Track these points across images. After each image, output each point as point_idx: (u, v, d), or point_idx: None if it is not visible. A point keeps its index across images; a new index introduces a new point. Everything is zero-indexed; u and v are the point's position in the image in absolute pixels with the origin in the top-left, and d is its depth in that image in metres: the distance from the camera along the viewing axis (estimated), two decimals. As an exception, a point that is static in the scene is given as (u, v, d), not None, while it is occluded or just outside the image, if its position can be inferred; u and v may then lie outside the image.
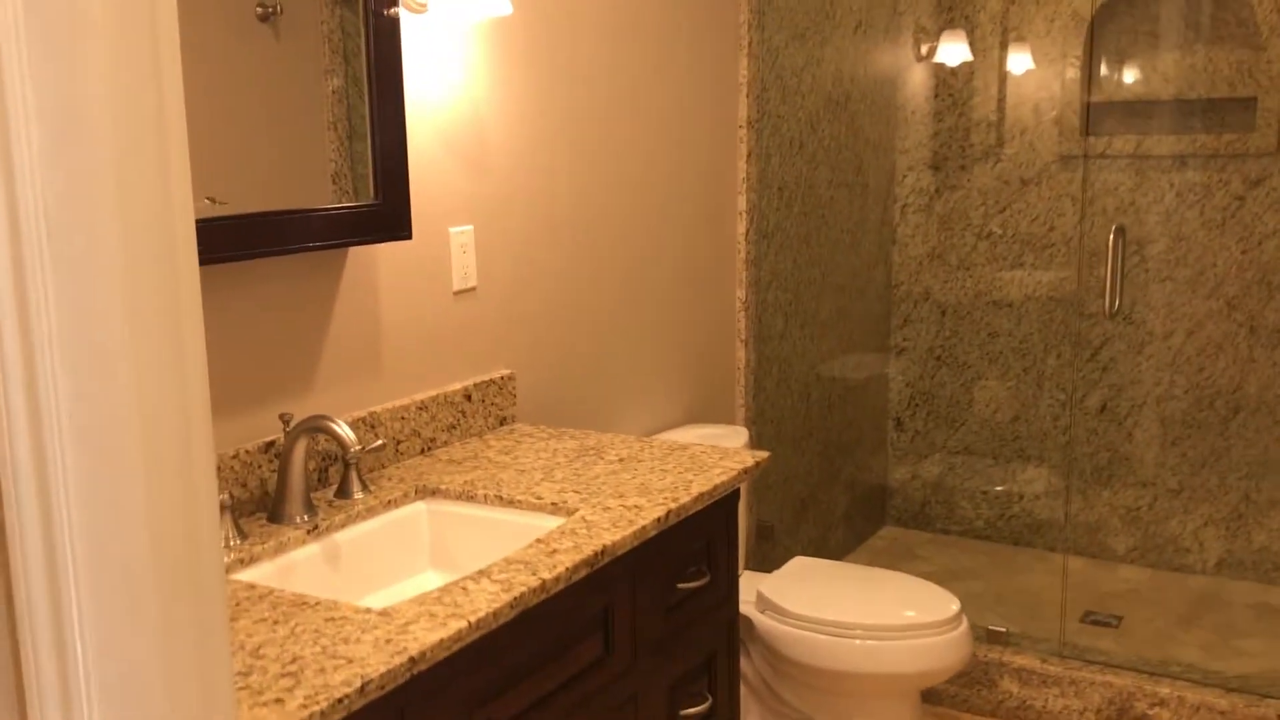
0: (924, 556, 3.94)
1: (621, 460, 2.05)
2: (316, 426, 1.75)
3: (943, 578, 3.74)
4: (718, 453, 2.08)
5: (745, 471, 2.00)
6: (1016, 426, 3.95)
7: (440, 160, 2.14)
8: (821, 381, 3.66)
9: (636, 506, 1.80)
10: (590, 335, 2.61)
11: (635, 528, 1.71)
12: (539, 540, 1.67)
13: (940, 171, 3.95)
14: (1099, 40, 3.66)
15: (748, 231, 3.14)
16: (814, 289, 3.56)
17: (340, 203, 1.85)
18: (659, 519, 1.76)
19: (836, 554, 3.85)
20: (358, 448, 1.72)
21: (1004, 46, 3.80)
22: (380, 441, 1.91)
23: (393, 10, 1.84)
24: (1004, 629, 3.06)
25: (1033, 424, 3.91)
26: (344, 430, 1.73)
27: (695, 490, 1.88)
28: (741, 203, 3.13)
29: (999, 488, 3.99)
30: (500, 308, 2.33)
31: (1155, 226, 3.61)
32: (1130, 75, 3.64)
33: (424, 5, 2.02)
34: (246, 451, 1.80)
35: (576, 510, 1.80)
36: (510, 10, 2.06)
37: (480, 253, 2.26)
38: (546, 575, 1.53)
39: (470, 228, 2.23)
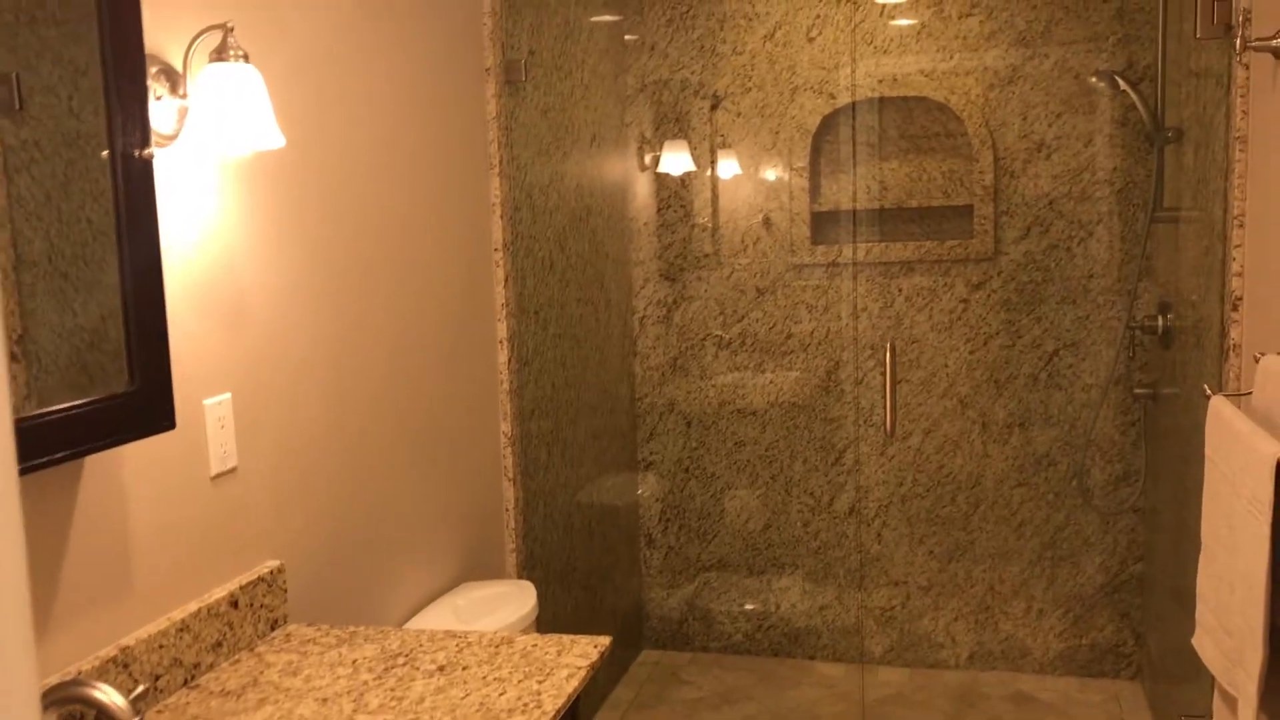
0: (690, 680, 3.78)
1: (442, 669, 1.73)
2: (70, 697, 1.32)
3: (715, 703, 3.60)
4: (553, 645, 1.81)
5: (592, 666, 1.74)
6: (769, 535, 3.90)
7: (190, 320, 1.75)
8: (581, 509, 3.44)
9: (490, 739, 1.49)
10: (361, 501, 2.25)
11: (502, 774, 1.41)
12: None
13: (676, 282, 3.88)
14: (823, 151, 3.74)
15: (509, 360, 2.90)
16: (571, 412, 3.35)
17: (75, 399, 1.44)
18: (523, 754, 1.47)
19: (603, 687, 3.62)
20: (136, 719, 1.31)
21: (752, 159, 3.81)
22: (141, 687, 1.50)
23: (146, 152, 1.47)
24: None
25: (784, 531, 3.88)
26: (111, 697, 1.32)
27: (549, 706, 1.59)
28: (502, 330, 2.88)
29: (753, 603, 3.92)
30: (264, 486, 1.95)
31: (889, 330, 3.70)
32: (852, 185, 3.74)
33: (170, 137, 1.65)
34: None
35: (417, 754, 1.47)
36: (283, 142, 1.73)
37: (240, 424, 1.88)
38: None
39: (228, 396, 1.85)
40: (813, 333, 3.78)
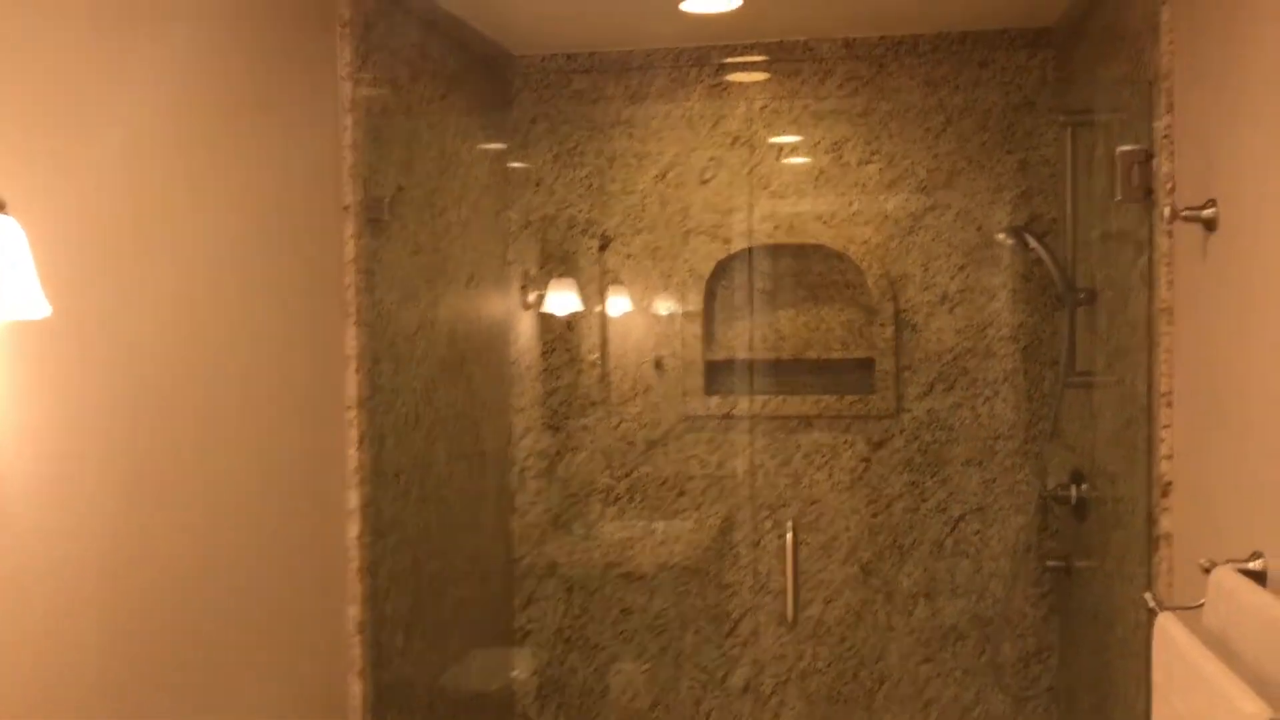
0: None
1: None
2: None
3: None
4: None
5: None
6: (655, 714, 3.53)
7: (-78, 526, 1.38)
8: (445, 697, 3.05)
9: None
10: (160, 725, 1.85)
11: None
12: None
13: (560, 431, 3.58)
14: (718, 297, 3.51)
15: (361, 534, 2.53)
16: (435, 586, 2.98)
17: None
18: None
19: None
20: None
21: (631, 301, 3.55)
22: None
23: None
24: None
25: (674, 710, 3.52)
26: None
27: None
28: (353, 499, 2.52)
29: (641, 785, 3.54)
30: (21, 727, 1.55)
31: (786, 490, 3.44)
32: (748, 334, 3.51)
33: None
34: None
35: None
36: (50, 311, 1.38)
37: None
38: None
39: (-28, 619, 1.46)
40: (706, 490, 3.49)
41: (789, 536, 2.98)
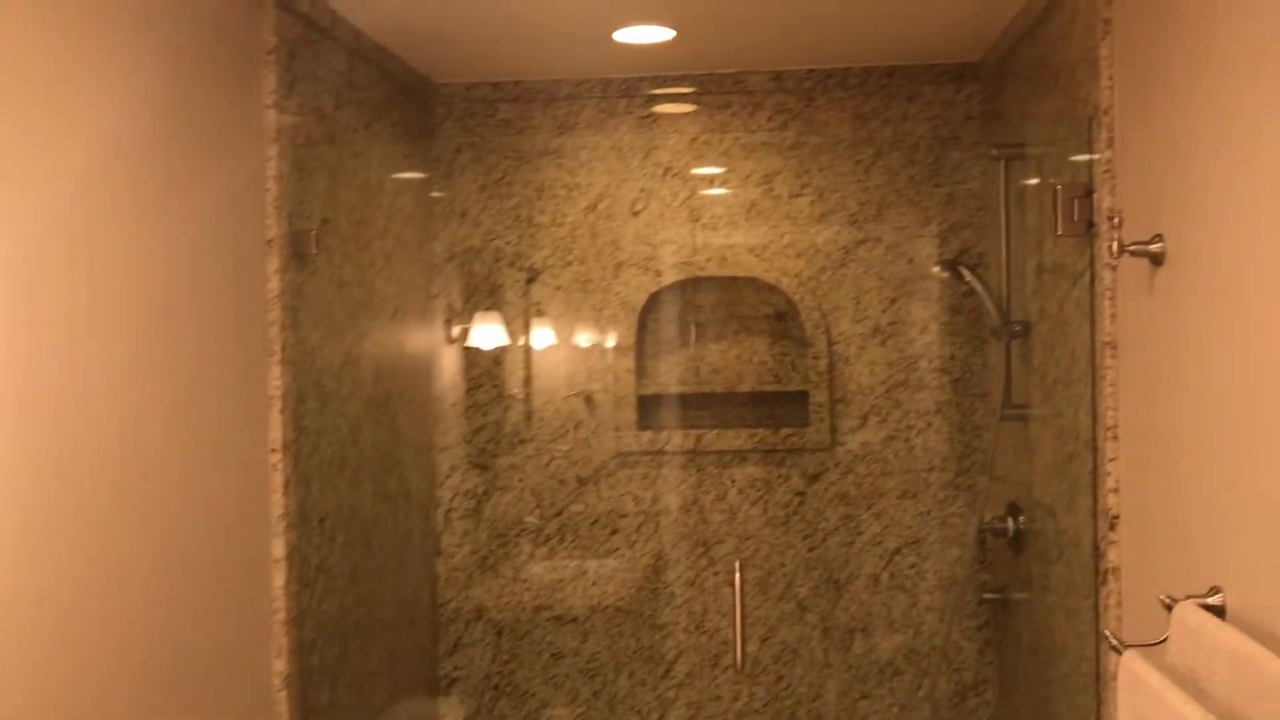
0: None
1: None
2: None
3: None
4: None
5: None
6: (590, 759, 3.44)
7: None
8: (373, 750, 2.91)
9: None
10: (73, 801, 1.71)
11: None
12: None
13: (487, 470, 3.47)
14: (650, 330, 3.46)
15: (288, 583, 2.40)
16: (361, 636, 2.85)
17: None
18: None
19: None
20: None
21: (560, 335, 3.47)
22: None
23: None
24: None
25: (608, 755, 3.43)
26: None
27: None
28: (279, 547, 2.39)
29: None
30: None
31: (721, 526, 3.38)
32: (680, 368, 3.46)
33: None
34: None
35: None
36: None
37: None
38: None
39: None
40: (640, 528, 3.42)
41: (737, 578, 2.92)
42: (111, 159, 1.84)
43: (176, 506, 2.03)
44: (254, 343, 2.34)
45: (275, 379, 2.39)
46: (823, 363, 3.35)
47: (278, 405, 2.39)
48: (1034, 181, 2.79)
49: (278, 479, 2.39)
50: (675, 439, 3.43)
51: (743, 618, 3.05)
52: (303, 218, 2.48)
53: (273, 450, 2.39)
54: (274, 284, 2.38)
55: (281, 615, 2.39)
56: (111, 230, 1.84)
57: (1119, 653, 1.73)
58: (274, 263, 2.38)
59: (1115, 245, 1.97)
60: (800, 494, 3.38)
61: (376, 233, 3.02)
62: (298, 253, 2.46)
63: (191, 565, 2.08)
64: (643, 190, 3.38)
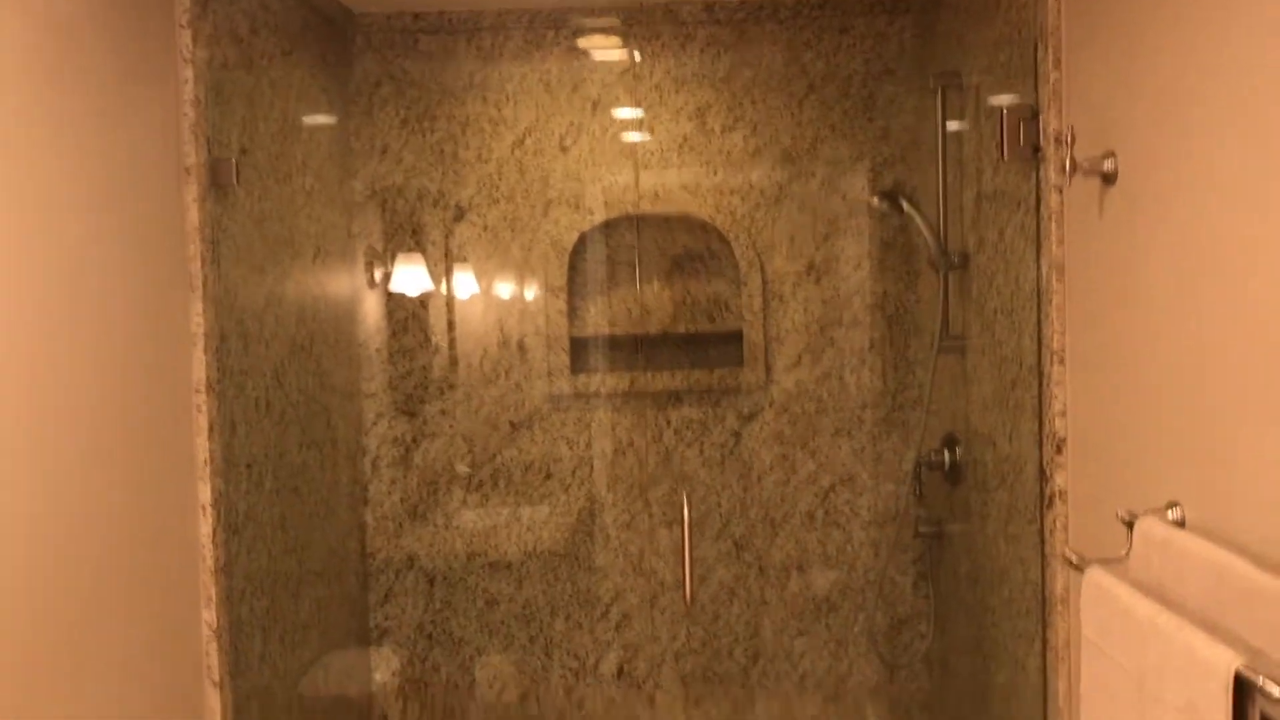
0: None
1: None
2: None
3: None
4: None
5: None
6: (527, 707, 3.39)
7: None
8: (305, 704, 2.82)
9: None
10: (-2, 759, 1.60)
11: None
12: None
13: (415, 417, 3.37)
14: (581, 271, 3.38)
15: (215, 531, 2.29)
16: (291, 584, 2.75)
17: None
18: None
19: None
20: None
21: (488, 277, 3.37)
22: None
23: None
24: None
25: (544, 702, 3.38)
26: None
27: None
28: (205, 493, 2.27)
29: (513, 782, 3.39)
30: None
31: (657, 468, 3.34)
32: (611, 309, 3.39)
33: None
34: None
35: None
36: None
37: None
38: None
39: None
40: (574, 471, 3.36)
41: (685, 511, 2.88)
42: (12, 78, 1.70)
43: (95, 451, 1.90)
44: (174, 278, 2.21)
45: (197, 316, 2.26)
46: (758, 301, 3.31)
47: (200, 344, 2.26)
48: (972, 110, 2.77)
49: (202, 421, 2.27)
50: (609, 382, 3.37)
51: (691, 551, 3.01)
52: (221, 145, 2.34)
53: (196, 391, 2.27)
54: (193, 215, 2.25)
55: (209, 564, 2.28)
56: (14, 155, 1.70)
57: (1080, 570, 1.72)
58: (193, 192, 2.24)
59: (1068, 163, 1.96)
60: (736, 434, 3.35)
61: (296, 167, 2.89)
62: (217, 183, 2.32)
63: (113, 513, 1.96)
64: (572, 125, 3.29)
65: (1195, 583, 1.47)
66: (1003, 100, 2.39)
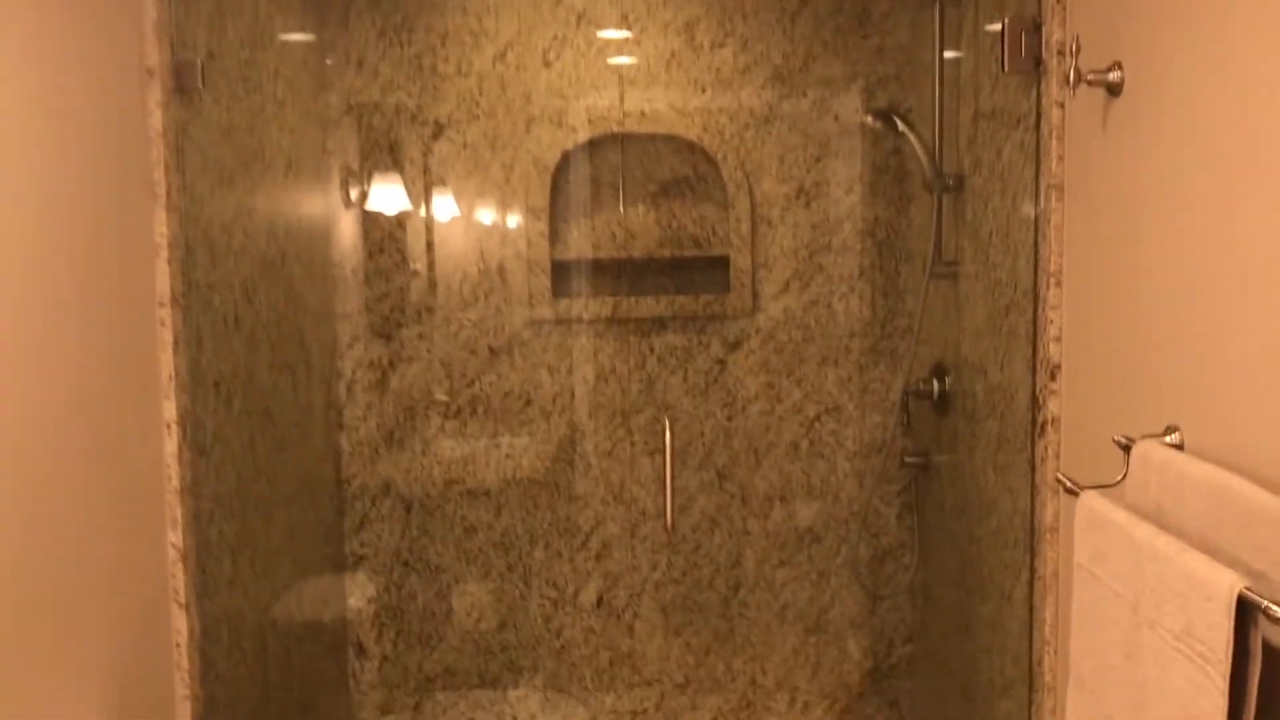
0: (414, 817, 3.16)
1: None
2: None
3: None
4: None
5: None
6: (504, 636, 3.35)
7: None
8: (277, 629, 2.77)
9: None
10: (-54, 677, 1.53)
11: None
12: None
13: (392, 340, 3.29)
14: (564, 192, 3.28)
15: (180, 450, 2.21)
16: (263, 509, 2.68)
17: None
18: None
19: (306, 844, 2.93)
20: None
21: (467, 197, 3.27)
22: None
23: None
24: None
25: (522, 631, 3.34)
26: None
27: None
28: (170, 410, 2.19)
29: (487, 714, 3.35)
30: None
31: (639, 395, 3.27)
32: (594, 232, 3.30)
33: None
34: None
35: None
36: None
37: None
38: None
39: None
40: (555, 398, 3.29)
41: (667, 436, 2.82)
42: (-43, -49, 1.59)
43: (52, 364, 1.82)
44: (136, 185, 2.10)
45: (160, 225, 2.16)
46: (745, 226, 3.22)
47: (164, 254, 2.17)
48: (971, 25, 2.67)
49: (167, 335, 2.18)
50: (592, 307, 3.28)
51: (673, 478, 2.95)
52: (186, 47, 2.23)
53: (160, 304, 2.17)
54: (156, 119, 2.14)
55: (175, 484, 2.21)
56: (-39, 35, 1.59)
57: (1075, 494, 1.66)
58: (156, 95, 2.13)
59: (1073, 74, 1.87)
60: (720, 362, 3.28)
61: (267, 76, 2.77)
62: (182, 86, 2.21)
63: (73, 431, 1.87)
64: (555, 37, 3.17)
65: (1195, 506, 1.41)
66: (999, 16, 2.29)
